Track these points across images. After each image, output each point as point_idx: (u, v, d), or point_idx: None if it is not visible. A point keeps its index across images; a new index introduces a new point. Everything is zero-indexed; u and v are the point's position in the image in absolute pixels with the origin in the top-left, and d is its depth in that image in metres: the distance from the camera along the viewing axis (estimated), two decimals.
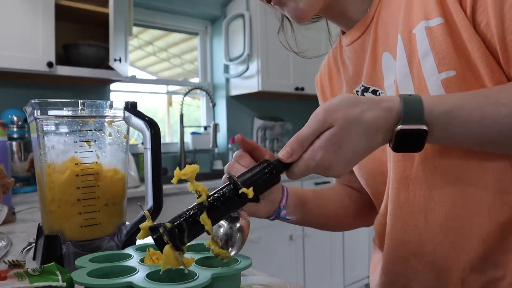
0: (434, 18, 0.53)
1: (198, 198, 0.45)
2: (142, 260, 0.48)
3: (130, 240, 0.65)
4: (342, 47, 0.71)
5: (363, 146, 0.48)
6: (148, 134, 0.64)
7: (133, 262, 0.48)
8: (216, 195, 0.45)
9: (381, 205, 0.68)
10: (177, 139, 2.83)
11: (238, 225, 0.49)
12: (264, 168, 0.48)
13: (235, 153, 0.59)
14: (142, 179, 2.18)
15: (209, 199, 0.45)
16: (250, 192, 0.45)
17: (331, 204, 0.76)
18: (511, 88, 0.46)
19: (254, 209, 0.62)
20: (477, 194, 0.54)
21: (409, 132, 0.46)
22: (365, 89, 0.65)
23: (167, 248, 0.41)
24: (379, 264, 0.70)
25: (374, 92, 0.64)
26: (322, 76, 0.79)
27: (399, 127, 0.46)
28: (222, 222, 0.49)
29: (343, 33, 0.70)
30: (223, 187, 0.46)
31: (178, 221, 0.43)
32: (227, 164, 0.59)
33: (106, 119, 0.64)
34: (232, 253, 0.48)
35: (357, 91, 0.68)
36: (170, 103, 2.99)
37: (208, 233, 0.45)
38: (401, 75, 0.56)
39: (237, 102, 3.00)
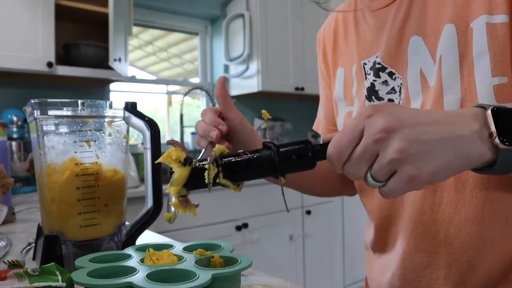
0: (499, 14, 0.46)
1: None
2: (142, 261, 0.48)
3: (130, 240, 0.64)
4: (359, 10, 0.66)
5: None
6: (148, 134, 0.64)
7: (133, 262, 0.48)
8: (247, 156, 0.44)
9: (369, 189, 0.65)
10: (177, 139, 2.83)
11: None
12: (302, 148, 0.43)
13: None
14: (142, 179, 2.18)
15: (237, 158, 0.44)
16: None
17: (321, 167, 0.74)
18: None
19: None
20: (506, 216, 0.50)
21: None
22: (382, 68, 0.59)
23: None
24: (377, 262, 0.69)
25: (391, 74, 0.59)
26: (326, 35, 0.74)
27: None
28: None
29: None
30: (255, 151, 0.44)
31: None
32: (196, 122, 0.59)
33: (106, 119, 0.64)
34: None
35: (364, 63, 0.63)
36: (170, 103, 2.99)
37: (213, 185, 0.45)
38: (448, 72, 0.51)
39: (237, 102, 3.00)
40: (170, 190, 0.45)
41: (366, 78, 0.63)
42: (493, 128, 0.38)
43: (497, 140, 0.37)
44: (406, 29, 0.56)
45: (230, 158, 0.44)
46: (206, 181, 0.44)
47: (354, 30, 0.66)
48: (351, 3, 0.69)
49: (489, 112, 0.38)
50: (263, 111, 0.51)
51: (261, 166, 0.43)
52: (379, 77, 0.60)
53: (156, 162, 0.48)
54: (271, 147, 0.43)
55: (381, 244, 0.67)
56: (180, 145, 0.47)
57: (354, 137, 0.38)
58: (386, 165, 0.36)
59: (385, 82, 0.60)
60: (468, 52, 0.49)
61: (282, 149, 0.43)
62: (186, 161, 0.45)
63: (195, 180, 0.45)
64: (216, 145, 0.45)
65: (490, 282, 0.52)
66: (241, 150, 0.46)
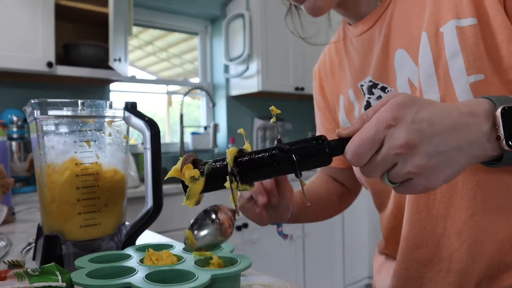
0: (466, 18, 0.50)
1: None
2: (141, 261, 0.48)
3: (129, 241, 0.64)
4: (347, 38, 0.69)
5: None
6: (148, 134, 0.64)
7: (132, 262, 0.48)
8: (260, 155, 0.44)
9: (383, 204, 0.67)
10: (177, 139, 2.83)
11: (213, 216, 0.47)
12: (317, 144, 0.42)
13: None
14: (142, 179, 2.18)
15: (250, 157, 0.44)
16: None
17: (324, 200, 0.80)
18: None
19: (258, 217, 0.62)
20: (497, 203, 0.52)
21: None
22: (374, 85, 0.63)
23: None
24: (384, 265, 0.70)
25: (383, 89, 0.62)
26: (321, 69, 0.78)
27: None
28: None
29: (349, 23, 0.68)
30: (268, 149, 0.44)
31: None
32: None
33: (106, 119, 0.64)
34: (198, 245, 0.46)
35: (361, 85, 0.66)
36: (170, 103, 2.99)
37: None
38: (425, 75, 0.54)
39: (237, 102, 3.00)
40: (187, 203, 0.46)
41: (364, 98, 0.66)
42: (501, 131, 0.39)
43: (504, 143, 0.39)
44: (390, 44, 0.60)
45: (247, 158, 0.44)
46: (233, 204, 0.45)
47: (346, 58, 0.70)
48: (340, 34, 0.73)
49: (498, 113, 0.40)
50: (272, 107, 0.49)
51: (279, 165, 0.43)
52: (373, 94, 0.63)
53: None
54: (286, 146, 0.43)
55: (388, 250, 0.70)
56: (193, 156, 0.47)
57: (374, 146, 0.39)
58: (404, 175, 0.39)
59: (379, 97, 0.62)
60: (442, 55, 0.52)
61: (297, 146, 0.43)
62: (199, 167, 0.46)
63: (211, 185, 0.46)
64: (231, 148, 0.45)
65: (491, 271, 0.54)
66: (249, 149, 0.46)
